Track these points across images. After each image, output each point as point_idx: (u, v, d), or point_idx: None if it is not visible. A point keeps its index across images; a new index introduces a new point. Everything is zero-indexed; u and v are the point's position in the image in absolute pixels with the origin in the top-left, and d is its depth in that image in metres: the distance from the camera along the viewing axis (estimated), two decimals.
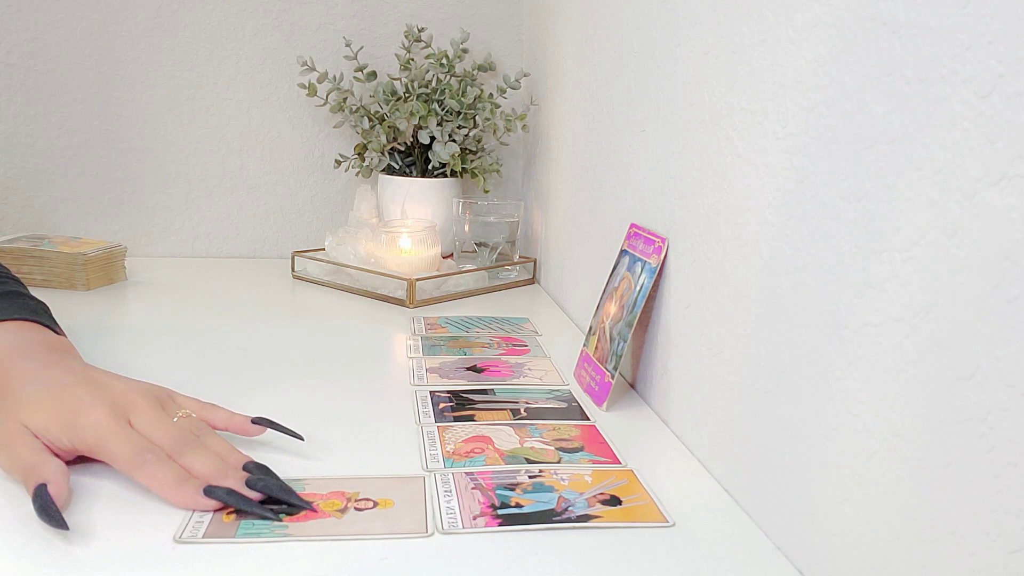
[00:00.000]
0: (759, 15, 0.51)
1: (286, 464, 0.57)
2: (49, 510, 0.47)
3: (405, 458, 0.59)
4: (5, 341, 0.60)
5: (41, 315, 0.65)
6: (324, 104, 1.24)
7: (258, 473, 0.53)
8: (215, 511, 0.50)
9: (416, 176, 1.21)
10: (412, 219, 1.16)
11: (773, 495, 0.49)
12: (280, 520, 0.50)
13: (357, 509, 0.51)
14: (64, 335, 0.66)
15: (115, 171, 1.26)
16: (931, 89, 0.36)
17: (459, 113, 1.19)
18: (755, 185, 0.52)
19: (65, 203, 1.25)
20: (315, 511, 0.51)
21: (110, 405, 0.54)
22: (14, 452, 0.52)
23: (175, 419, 0.56)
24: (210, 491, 0.51)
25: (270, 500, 0.51)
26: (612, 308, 0.73)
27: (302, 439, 0.60)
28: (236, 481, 0.52)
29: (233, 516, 0.49)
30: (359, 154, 1.25)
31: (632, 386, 0.76)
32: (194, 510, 0.50)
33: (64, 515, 0.47)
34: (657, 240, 0.68)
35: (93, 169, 1.25)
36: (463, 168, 1.19)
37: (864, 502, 0.40)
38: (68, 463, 0.53)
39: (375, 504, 0.52)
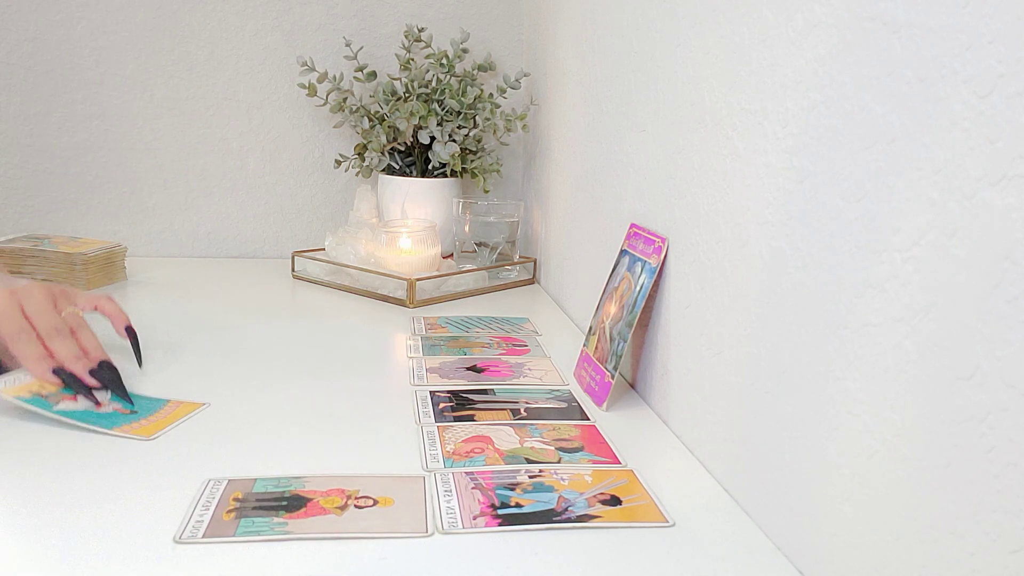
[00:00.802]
0: (759, 15, 0.51)
1: (288, 463, 0.57)
2: None
3: (405, 458, 0.59)
4: None
5: None
6: (324, 104, 1.24)
7: (105, 370, 0.67)
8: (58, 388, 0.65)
9: (416, 176, 1.21)
10: (412, 219, 1.16)
11: (773, 495, 0.49)
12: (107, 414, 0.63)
13: (357, 507, 0.51)
14: None
15: (115, 171, 1.26)
16: (931, 89, 0.36)
17: (459, 113, 1.19)
18: (755, 185, 0.52)
19: (65, 203, 1.25)
20: (132, 408, 0.65)
21: (11, 292, 0.68)
22: None
23: (63, 314, 0.69)
24: (57, 371, 0.65)
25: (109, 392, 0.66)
26: (612, 308, 0.73)
27: (140, 366, 0.74)
28: (82, 369, 0.66)
29: (233, 514, 0.49)
30: (359, 154, 1.25)
31: (632, 386, 0.76)
32: (45, 382, 0.65)
33: None
34: (657, 240, 0.68)
35: (93, 169, 1.25)
36: (463, 168, 1.19)
37: (864, 502, 0.40)
38: None
39: (375, 502, 0.52)
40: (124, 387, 0.67)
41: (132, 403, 0.65)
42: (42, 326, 0.67)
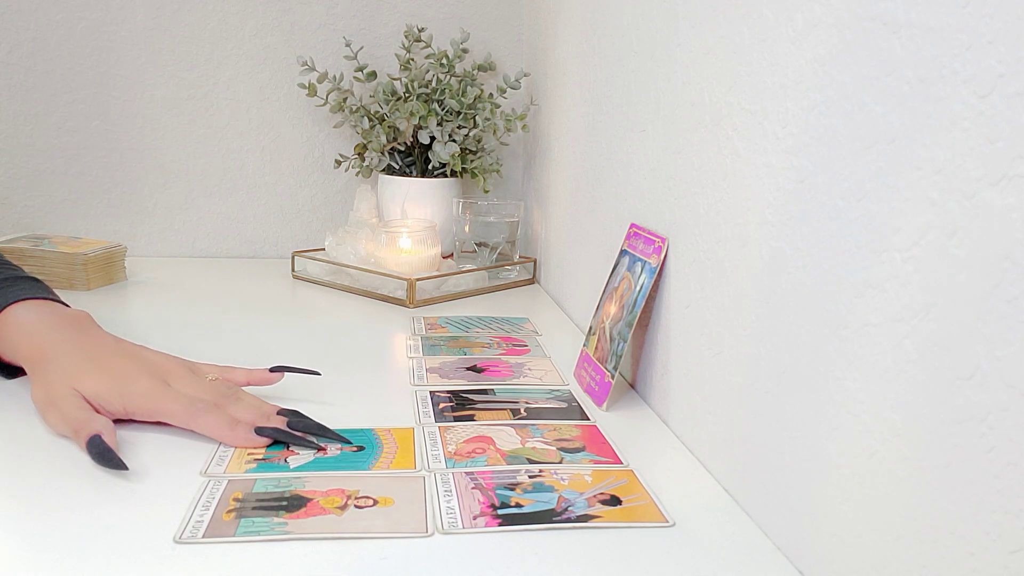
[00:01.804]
0: (759, 15, 0.52)
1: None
2: (107, 454, 0.54)
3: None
4: (30, 318, 0.66)
5: (48, 292, 0.71)
6: (324, 104, 1.24)
7: (296, 417, 0.61)
8: (265, 448, 0.59)
9: (416, 176, 1.21)
10: (412, 219, 1.16)
11: (773, 495, 0.49)
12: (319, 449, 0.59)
13: (357, 507, 0.51)
14: (70, 307, 0.70)
15: (115, 171, 1.26)
16: (931, 89, 0.36)
17: (459, 113, 1.19)
18: (755, 185, 0.52)
19: (65, 203, 1.25)
20: (349, 442, 0.60)
21: (152, 372, 0.62)
22: (66, 412, 0.58)
23: (209, 380, 0.64)
24: (260, 431, 0.59)
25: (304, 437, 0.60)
26: (612, 308, 0.73)
27: (319, 374, 0.69)
28: (279, 423, 0.60)
29: (233, 514, 0.49)
30: (359, 154, 1.25)
31: (632, 386, 0.76)
32: (248, 447, 0.58)
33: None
34: (657, 240, 0.68)
35: (93, 169, 1.25)
36: (463, 168, 1.19)
37: (864, 502, 0.40)
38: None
39: (375, 502, 0.52)
40: (323, 425, 0.60)
41: (347, 439, 0.60)
42: (207, 396, 0.61)
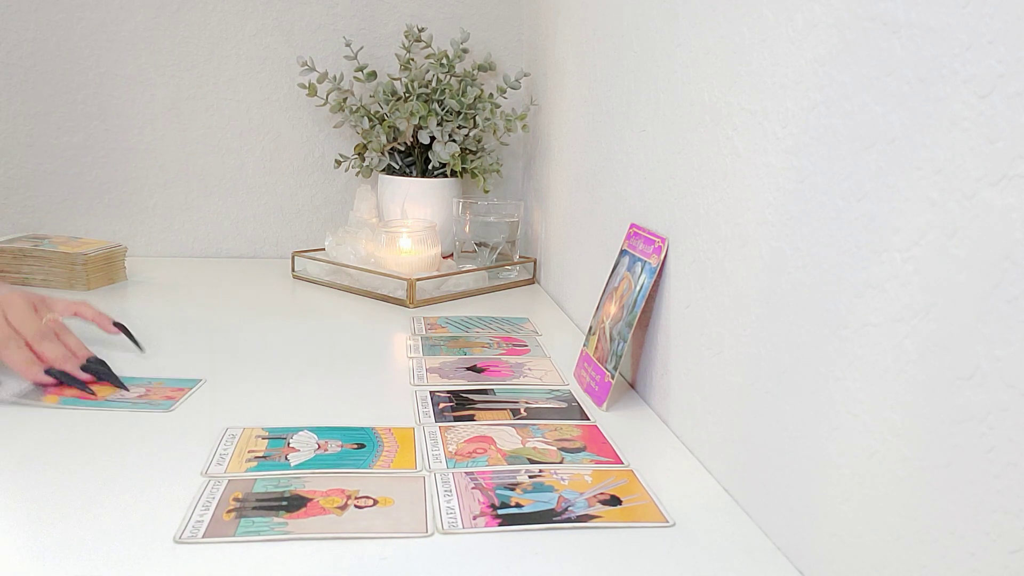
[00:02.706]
0: (759, 15, 0.51)
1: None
2: None
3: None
4: None
5: None
6: (324, 104, 1.24)
7: (95, 363, 0.71)
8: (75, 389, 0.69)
9: (416, 176, 1.21)
10: (412, 219, 1.16)
11: (773, 495, 0.49)
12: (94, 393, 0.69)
13: (357, 507, 0.51)
14: None
15: (115, 171, 1.26)
16: (931, 89, 0.36)
17: (459, 113, 1.19)
18: (755, 185, 0.52)
19: (65, 203, 1.25)
20: (127, 389, 0.70)
21: None
22: None
23: (44, 320, 0.73)
24: (49, 371, 0.69)
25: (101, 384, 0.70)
26: (612, 308, 0.73)
27: (143, 351, 0.80)
28: (73, 367, 0.70)
29: (233, 514, 0.49)
30: (359, 154, 1.25)
31: (632, 386, 0.76)
32: (35, 383, 0.69)
33: None
34: (657, 240, 0.68)
35: (93, 169, 1.25)
36: (463, 168, 1.19)
37: (864, 502, 0.40)
38: None
39: (375, 502, 0.52)
40: (116, 375, 0.71)
41: (126, 386, 0.71)
42: (28, 332, 0.71)
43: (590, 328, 0.78)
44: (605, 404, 0.69)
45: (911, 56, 0.37)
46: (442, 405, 0.69)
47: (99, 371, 0.71)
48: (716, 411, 0.57)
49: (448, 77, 1.21)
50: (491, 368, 0.79)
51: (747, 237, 0.53)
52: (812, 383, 0.45)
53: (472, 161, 1.20)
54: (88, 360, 0.72)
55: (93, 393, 0.69)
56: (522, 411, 0.68)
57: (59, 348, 0.71)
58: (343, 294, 1.09)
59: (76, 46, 1.21)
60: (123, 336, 0.80)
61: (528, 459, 0.59)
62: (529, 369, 0.79)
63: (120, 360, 0.76)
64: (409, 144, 1.22)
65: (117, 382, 0.71)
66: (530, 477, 0.56)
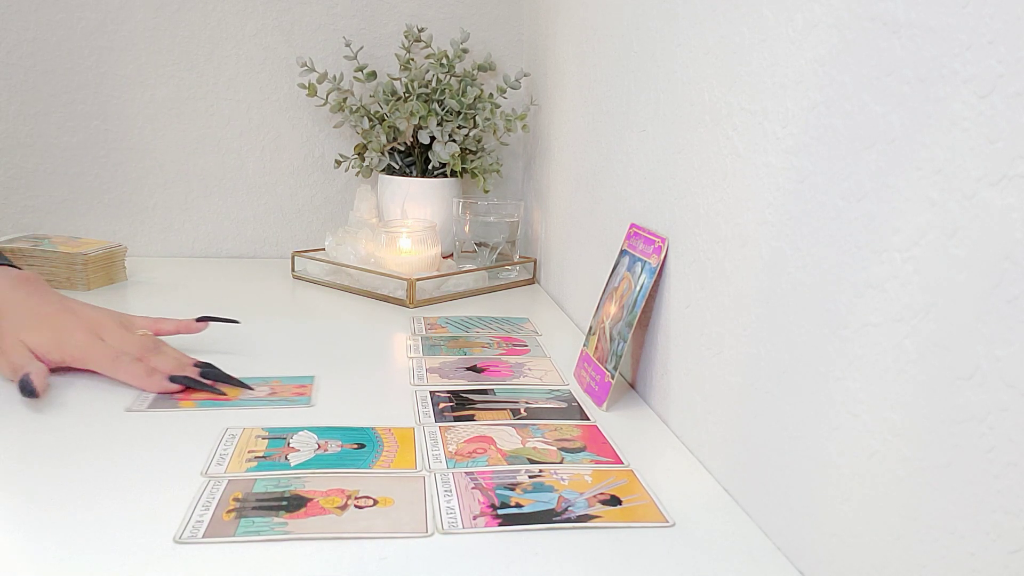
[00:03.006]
0: (759, 15, 0.52)
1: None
2: (27, 387, 0.64)
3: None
4: None
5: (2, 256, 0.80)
6: (324, 104, 1.24)
7: (209, 368, 0.71)
8: (177, 392, 0.69)
9: (416, 176, 1.21)
10: (412, 219, 1.16)
11: (773, 495, 0.49)
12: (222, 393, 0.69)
13: (357, 507, 0.51)
14: (21, 269, 0.79)
15: (115, 171, 1.26)
16: (931, 89, 0.36)
17: (459, 113, 1.19)
18: (755, 185, 0.52)
19: (65, 203, 1.25)
20: (252, 389, 0.70)
21: (88, 327, 0.71)
22: (11, 359, 0.68)
23: (139, 335, 0.73)
24: (174, 378, 0.69)
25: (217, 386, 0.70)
26: (612, 308, 0.73)
27: (238, 322, 0.82)
28: (192, 372, 0.70)
29: (233, 514, 0.49)
30: (359, 154, 1.25)
31: (632, 386, 0.76)
32: (160, 393, 0.68)
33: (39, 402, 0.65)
34: (657, 240, 0.68)
35: (93, 169, 1.25)
36: (463, 168, 1.19)
37: (864, 502, 0.40)
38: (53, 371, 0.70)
39: (375, 502, 0.52)
40: (231, 376, 0.71)
41: (250, 386, 0.70)
42: (132, 349, 0.71)
43: (590, 328, 0.78)
44: (605, 404, 0.69)
45: (911, 56, 0.37)
46: (442, 405, 0.69)
47: (216, 375, 0.71)
48: (716, 411, 0.57)
49: (448, 77, 1.21)
50: (491, 368, 0.79)
51: (747, 237, 0.53)
52: (812, 383, 0.45)
53: (472, 161, 1.20)
54: (199, 365, 0.72)
55: (223, 393, 0.69)
56: (522, 411, 0.68)
57: (169, 359, 0.71)
58: (343, 294, 1.09)
59: (76, 46, 1.21)
60: (214, 323, 0.81)
61: (528, 459, 0.59)
62: (529, 369, 0.79)
63: None
64: (409, 144, 1.22)
65: (236, 382, 0.70)
66: (530, 477, 0.56)
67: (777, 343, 0.49)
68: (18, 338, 0.69)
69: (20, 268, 0.79)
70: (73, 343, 0.70)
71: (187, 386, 0.69)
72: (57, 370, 0.71)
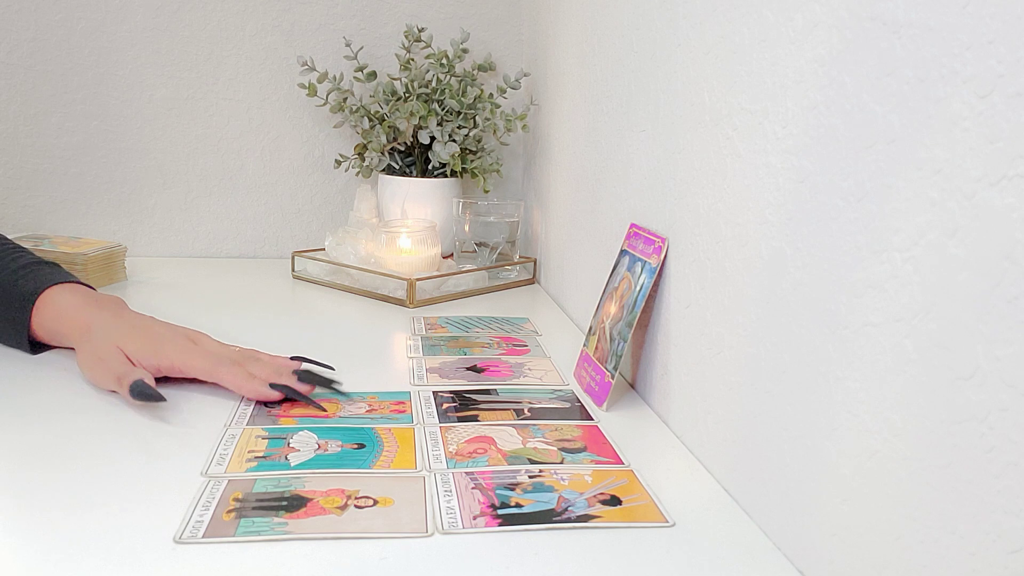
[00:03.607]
0: (759, 15, 0.52)
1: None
2: (147, 391, 0.64)
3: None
4: (72, 300, 0.75)
5: (75, 276, 0.81)
6: (324, 104, 1.24)
7: (306, 372, 0.70)
8: (272, 405, 0.67)
9: (416, 176, 1.21)
10: (412, 219, 1.16)
11: (773, 495, 0.49)
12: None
13: (357, 507, 0.51)
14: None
15: (115, 171, 1.26)
16: (931, 89, 0.36)
17: (459, 113, 1.19)
18: (755, 185, 0.52)
19: (65, 203, 1.25)
20: (346, 395, 0.69)
21: (183, 335, 0.72)
22: (111, 366, 0.67)
23: (233, 347, 0.73)
24: (274, 385, 0.67)
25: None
26: (612, 308, 0.73)
27: (333, 368, 0.75)
28: (290, 380, 0.68)
29: (233, 514, 0.49)
30: (359, 154, 1.25)
31: (632, 386, 0.76)
32: (259, 400, 0.67)
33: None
34: (657, 240, 0.68)
35: (93, 169, 1.25)
36: (463, 168, 1.19)
37: (864, 502, 0.40)
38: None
39: (375, 502, 0.52)
40: (324, 377, 0.71)
41: (345, 394, 0.70)
42: (231, 356, 0.71)
43: (590, 328, 0.78)
44: (605, 404, 0.69)
45: (911, 56, 0.37)
46: (446, 406, 0.69)
47: (314, 380, 0.69)
48: (716, 411, 0.57)
49: (448, 77, 1.21)
50: (491, 368, 0.79)
51: (747, 237, 0.53)
52: (812, 383, 0.45)
53: (472, 161, 1.20)
54: (295, 371, 0.70)
55: (324, 409, 0.66)
56: (526, 411, 0.68)
57: (267, 366, 0.70)
58: (343, 294, 1.09)
59: (76, 46, 1.21)
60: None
61: (528, 459, 0.59)
62: (529, 369, 0.79)
63: None
64: (409, 144, 1.22)
65: (326, 382, 0.69)
66: (530, 477, 0.56)
67: (777, 343, 0.49)
68: (115, 345, 0.69)
69: (95, 289, 0.80)
70: (171, 348, 0.69)
71: (286, 395, 0.67)
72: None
